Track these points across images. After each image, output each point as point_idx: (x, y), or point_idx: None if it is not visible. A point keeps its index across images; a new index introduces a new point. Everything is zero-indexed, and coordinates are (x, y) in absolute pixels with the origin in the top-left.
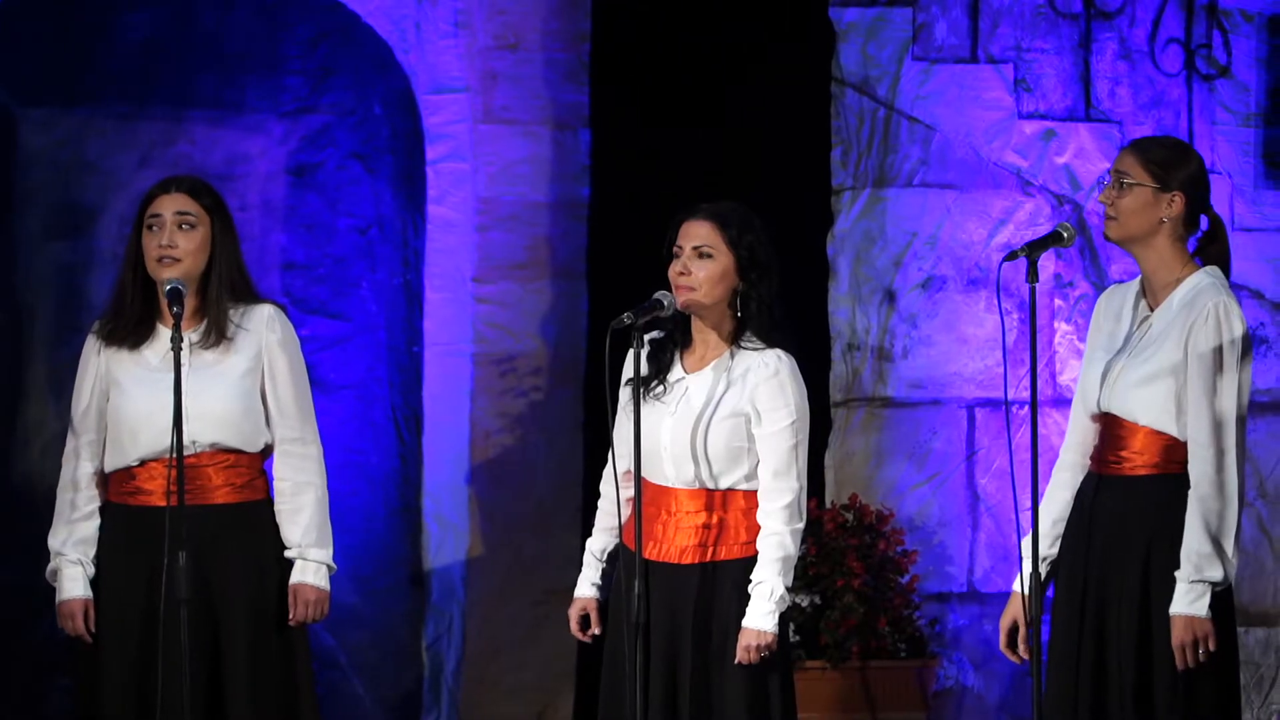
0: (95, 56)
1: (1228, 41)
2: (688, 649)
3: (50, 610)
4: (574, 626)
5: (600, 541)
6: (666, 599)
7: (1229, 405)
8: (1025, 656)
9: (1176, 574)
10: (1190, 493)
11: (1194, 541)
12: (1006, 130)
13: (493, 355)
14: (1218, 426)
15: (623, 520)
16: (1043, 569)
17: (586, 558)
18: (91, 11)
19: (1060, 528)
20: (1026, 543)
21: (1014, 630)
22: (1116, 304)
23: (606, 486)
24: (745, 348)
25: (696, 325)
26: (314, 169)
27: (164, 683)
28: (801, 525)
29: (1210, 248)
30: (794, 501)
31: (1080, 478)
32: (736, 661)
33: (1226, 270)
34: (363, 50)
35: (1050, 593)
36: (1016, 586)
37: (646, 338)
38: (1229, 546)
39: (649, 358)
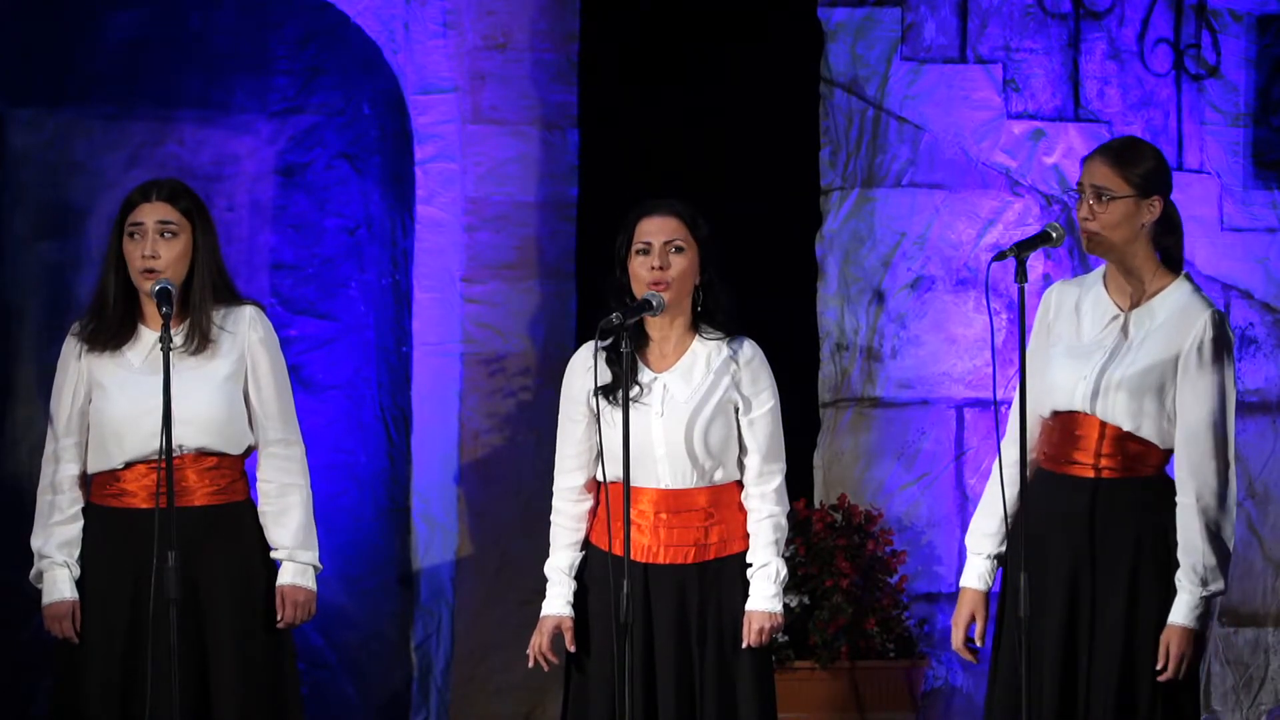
0: (81, 56)
1: (1216, 41)
2: (702, 646)
3: (39, 611)
4: (546, 644)
5: (567, 558)
6: (672, 601)
7: (1230, 418)
8: (976, 659)
9: (1178, 582)
10: (1190, 503)
11: (1201, 554)
12: (995, 130)
13: (481, 355)
14: (1220, 440)
15: (589, 531)
16: (990, 565)
17: (555, 575)
18: (77, 11)
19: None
20: (972, 539)
21: (969, 626)
22: (1071, 301)
23: (563, 503)
24: (708, 338)
25: (654, 323)
26: (302, 169)
27: (151, 685)
28: (788, 508)
29: (1168, 238)
30: (783, 484)
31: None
32: (746, 645)
33: (1181, 261)
34: (351, 50)
35: (995, 588)
36: (970, 583)
37: (600, 345)
38: (1230, 556)
39: (606, 364)
